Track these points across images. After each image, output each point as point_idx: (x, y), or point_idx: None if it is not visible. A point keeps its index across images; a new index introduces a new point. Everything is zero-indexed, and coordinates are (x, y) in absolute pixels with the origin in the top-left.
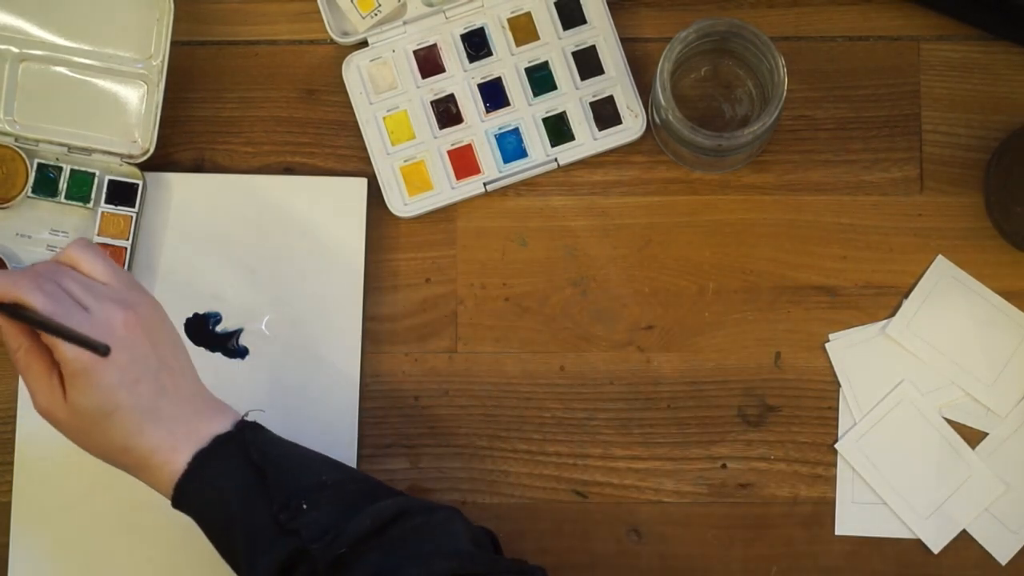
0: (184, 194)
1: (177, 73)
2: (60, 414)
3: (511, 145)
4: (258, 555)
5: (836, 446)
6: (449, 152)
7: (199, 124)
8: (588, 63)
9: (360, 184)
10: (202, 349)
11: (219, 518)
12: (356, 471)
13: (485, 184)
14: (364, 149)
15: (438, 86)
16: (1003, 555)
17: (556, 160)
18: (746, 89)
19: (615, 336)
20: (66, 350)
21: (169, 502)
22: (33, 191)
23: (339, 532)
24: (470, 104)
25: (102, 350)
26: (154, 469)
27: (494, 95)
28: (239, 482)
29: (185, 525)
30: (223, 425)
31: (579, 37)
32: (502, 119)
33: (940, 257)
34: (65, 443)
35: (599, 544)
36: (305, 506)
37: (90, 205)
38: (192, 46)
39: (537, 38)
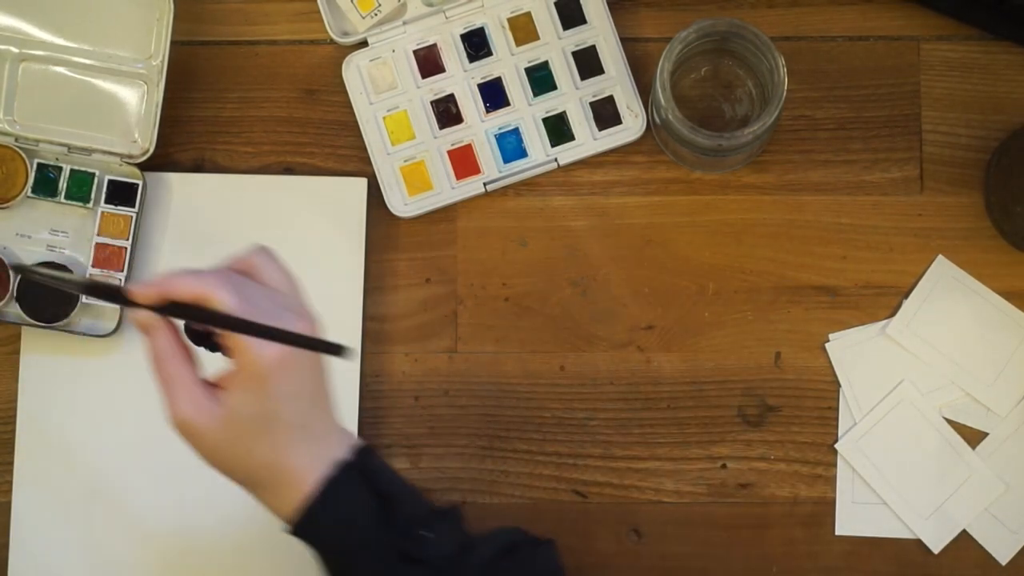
0: (184, 194)
1: (177, 73)
2: (207, 421)
3: (511, 145)
4: None
5: (836, 446)
6: (449, 152)
7: (199, 124)
8: (588, 63)
9: (360, 184)
10: (202, 349)
11: (344, 547)
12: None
13: (485, 184)
14: (364, 149)
15: (438, 86)
16: (1003, 555)
17: (556, 160)
18: (746, 89)
19: (615, 336)
20: (256, 353)
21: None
22: (33, 191)
23: (462, 561)
24: (470, 104)
25: (342, 352)
26: (284, 489)
27: (494, 95)
28: (365, 510)
29: (184, 525)
30: (341, 448)
31: (579, 37)
32: (502, 119)
33: (940, 257)
34: (65, 443)
35: (599, 544)
36: (424, 534)
37: (90, 205)
38: (192, 46)
39: (537, 38)
